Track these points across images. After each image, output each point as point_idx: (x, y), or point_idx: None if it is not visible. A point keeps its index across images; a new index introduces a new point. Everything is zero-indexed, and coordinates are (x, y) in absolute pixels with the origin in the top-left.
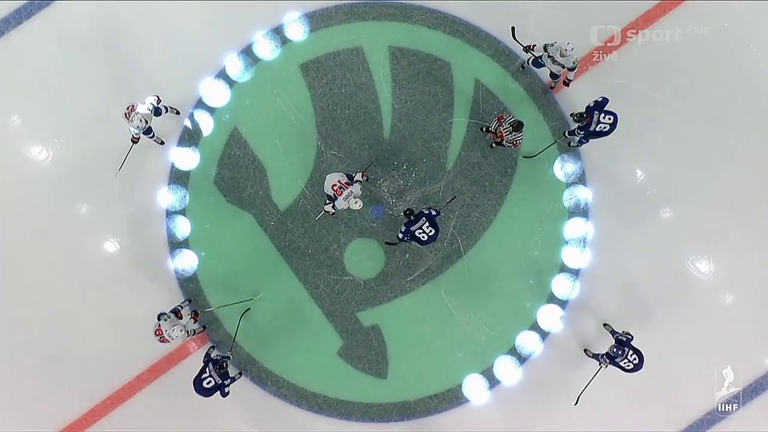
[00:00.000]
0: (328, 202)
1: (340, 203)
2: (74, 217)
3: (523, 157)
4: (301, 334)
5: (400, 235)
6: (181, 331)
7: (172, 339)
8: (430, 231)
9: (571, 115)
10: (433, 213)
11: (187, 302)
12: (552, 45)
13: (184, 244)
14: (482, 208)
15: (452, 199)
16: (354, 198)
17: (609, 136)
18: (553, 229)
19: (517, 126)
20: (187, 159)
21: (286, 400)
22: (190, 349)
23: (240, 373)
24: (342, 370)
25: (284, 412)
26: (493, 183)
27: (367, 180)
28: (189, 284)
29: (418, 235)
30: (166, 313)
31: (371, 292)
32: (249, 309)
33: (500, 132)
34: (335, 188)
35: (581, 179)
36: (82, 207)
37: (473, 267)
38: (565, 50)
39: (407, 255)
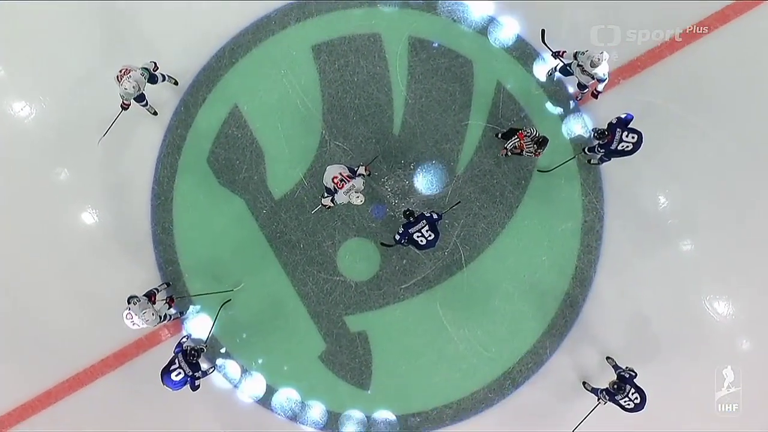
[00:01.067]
0: (326, 195)
1: (341, 197)
2: (52, 182)
3: (538, 171)
4: (282, 332)
5: (397, 237)
6: (152, 315)
7: (143, 324)
8: (430, 235)
9: (593, 130)
10: (435, 217)
11: (165, 285)
12: (583, 53)
13: (168, 224)
14: (489, 220)
15: (457, 203)
16: (356, 193)
17: (632, 156)
18: (563, 250)
19: (542, 142)
20: None
21: (258, 401)
22: (162, 337)
23: (213, 368)
24: (322, 376)
25: (255, 413)
26: (504, 194)
27: (369, 175)
28: (168, 267)
29: (416, 238)
30: (136, 296)
31: (362, 296)
32: (230, 300)
33: (521, 145)
34: (336, 181)
35: (598, 193)
36: (62, 172)
37: (473, 281)
38: (598, 60)
39: (404, 261)
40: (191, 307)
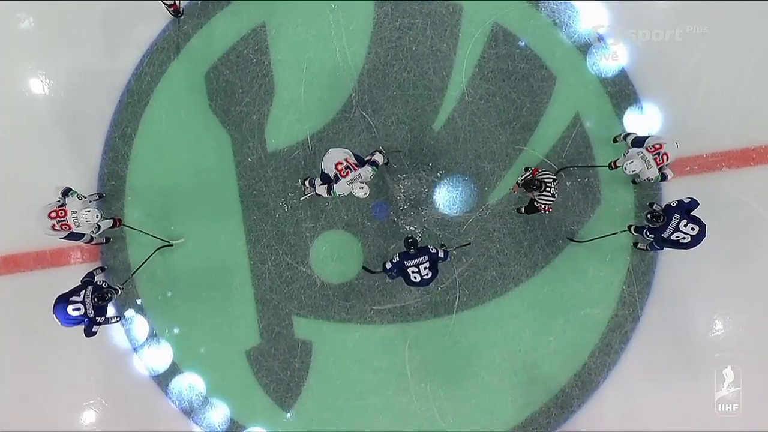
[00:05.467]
0: (320, 182)
1: (342, 187)
2: (13, 29)
3: (569, 239)
4: (215, 306)
5: (388, 265)
6: (95, 218)
7: (79, 227)
8: (427, 274)
9: (648, 205)
10: (440, 255)
11: (96, 197)
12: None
13: (131, 131)
14: (504, 270)
15: (465, 245)
16: (360, 183)
17: (705, 262)
18: (578, 338)
19: (537, 185)
20: None
21: (154, 377)
22: (71, 259)
23: (118, 318)
24: (241, 376)
25: (143, 390)
26: (533, 247)
27: (387, 163)
28: (111, 181)
29: (409, 272)
30: (76, 191)
31: (324, 301)
32: (170, 245)
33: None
34: (340, 167)
35: (644, 288)
36: (28, 19)
37: (458, 333)
38: (625, 166)
39: (388, 278)
40: (119, 236)
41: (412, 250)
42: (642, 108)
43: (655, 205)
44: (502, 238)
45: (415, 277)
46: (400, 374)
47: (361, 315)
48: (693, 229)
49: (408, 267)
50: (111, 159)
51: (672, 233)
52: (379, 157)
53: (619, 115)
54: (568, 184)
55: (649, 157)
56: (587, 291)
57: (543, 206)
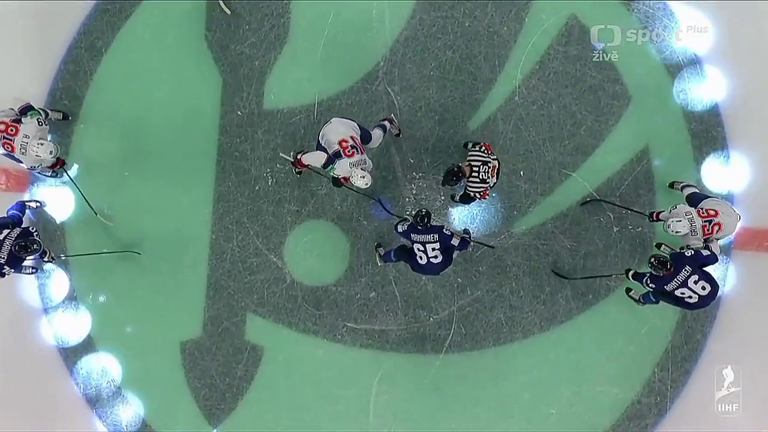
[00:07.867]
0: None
1: (343, 167)
2: None
3: (553, 271)
4: (155, 277)
5: (400, 228)
6: (50, 154)
7: (23, 154)
8: (435, 257)
9: (657, 246)
10: (454, 241)
11: (60, 115)
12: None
13: (102, 45)
14: (514, 314)
15: (490, 246)
16: (362, 170)
17: (750, 342)
18: (586, 418)
19: (459, 173)
20: None
21: (61, 349)
22: None
23: (33, 270)
24: (168, 371)
25: (45, 363)
26: (555, 296)
27: (399, 135)
28: (65, 99)
29: (415, 250)
30: (38, 110)
31: (290, 302)
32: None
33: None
34: (345, 146)
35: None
36: None
37: (441, 378)
38: (669, 223)
39: (372, 293)
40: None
41: (420, 226)
42: (728, 158)
43: (663, 246)
44: (521, 276)
45: (420, 257)
46: (362, 410)
47: (330, 330)
48: (704, 288)
49: (414, 242)
50: (70, 73)
51: (677, 288)
52: (388, 124)
53: (698, 160)
54: (615, 229)
55: (698, 222)
56: (609, 364)
57: (474, 193)
